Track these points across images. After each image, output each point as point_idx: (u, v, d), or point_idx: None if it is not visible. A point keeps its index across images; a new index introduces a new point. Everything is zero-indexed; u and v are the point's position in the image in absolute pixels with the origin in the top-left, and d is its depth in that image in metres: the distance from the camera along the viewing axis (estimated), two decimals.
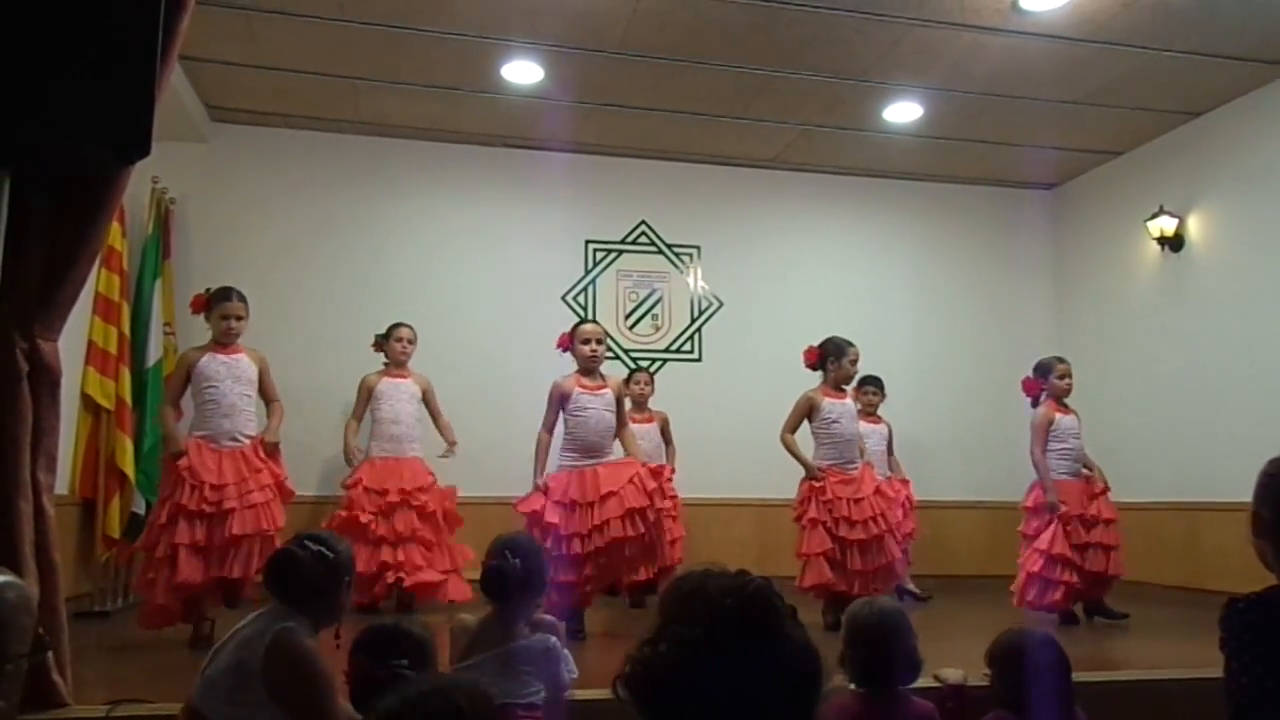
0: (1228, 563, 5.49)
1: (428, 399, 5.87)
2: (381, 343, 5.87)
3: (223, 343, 4.51)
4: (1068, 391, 5.42)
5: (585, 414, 4.75)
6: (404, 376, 5.83)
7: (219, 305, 4.50)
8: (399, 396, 5.75)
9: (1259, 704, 1.87)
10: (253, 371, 4.53)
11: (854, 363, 5.18)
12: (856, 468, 5.13)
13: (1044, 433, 5.31)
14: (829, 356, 5.16)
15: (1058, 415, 5.35)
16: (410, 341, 5.86)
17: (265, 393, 4.67)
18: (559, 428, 4.88)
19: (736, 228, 7.35)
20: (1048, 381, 5.42)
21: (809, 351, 5.21)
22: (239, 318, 4.52)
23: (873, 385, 6.40)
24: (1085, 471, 5.37)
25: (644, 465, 4.87)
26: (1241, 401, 5.93)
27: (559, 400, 4.80)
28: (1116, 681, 3.41)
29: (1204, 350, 6.28)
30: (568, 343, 4.91)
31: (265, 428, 4.57)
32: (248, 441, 4.43)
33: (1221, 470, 5.75)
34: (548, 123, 6.52)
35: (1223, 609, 2.01)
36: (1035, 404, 5.48)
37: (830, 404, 5.12)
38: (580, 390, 4.79)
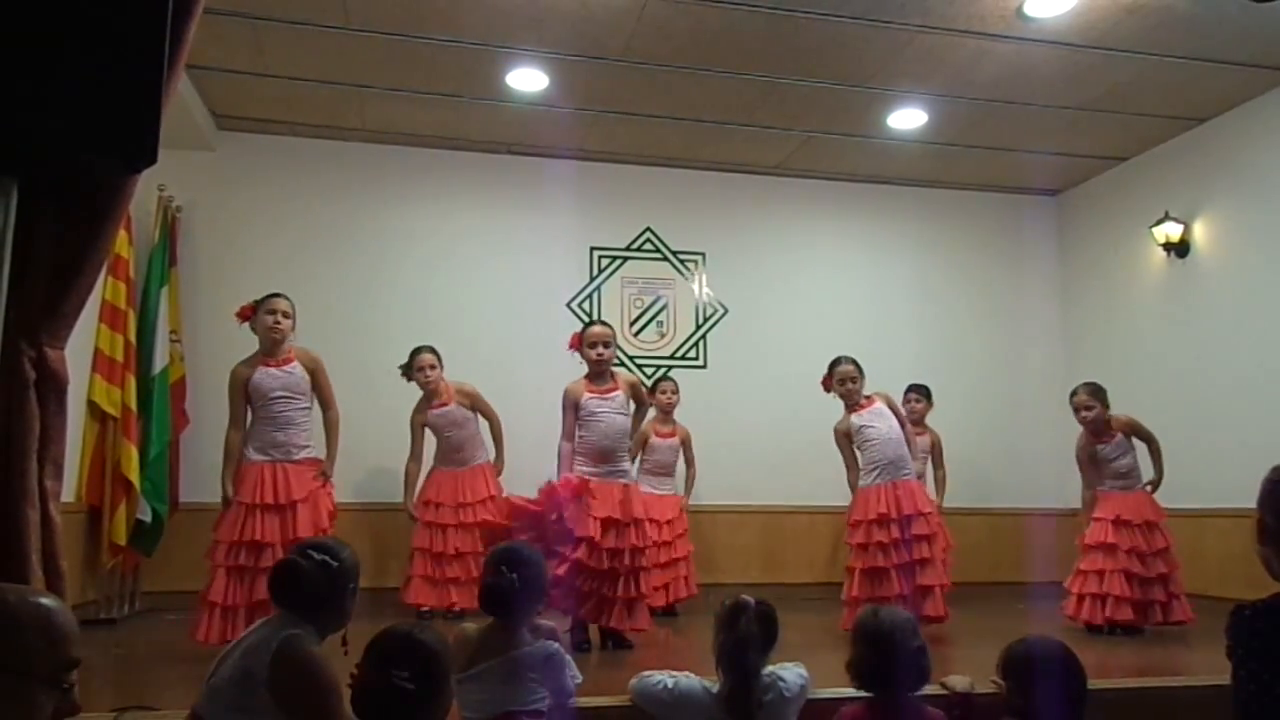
0: (1234, 569, 5.47)
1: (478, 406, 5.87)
2: (408, 374, 5.76)
3: (270, 349, 4.42)
4: (1086, 423, 5.23)
5: (595, 419, 4.61)
6: (447, 403, 5.77)
7: (264, 303, 4.44)
8: (450, 420, 5.76)
9: (1266, 710, 1.86)
10: (305, 382, 4.45)
11: (841, 381, 5.07)
12: (909, 474, 5.01)
13: (1083, 465, 5.29)
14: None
15: (1097, 446, 5.24)
16: (432, 367, 5.74)
17: (321, 397, 4.53)
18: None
19: (741, 234, 7.36)
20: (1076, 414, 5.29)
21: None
22: (285, 314, 4.44)
23: (916, 392, 6.30)
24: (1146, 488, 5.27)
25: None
26: (1248, 407, 5.92)
27: (573, 407, 4.63)
28: (1123, 689, 3.40)
29: (1210, 356, 6.27)
30: (578, 344, 4.81)
31: (326, 455, 4.47)
32: (300, 455, 4.37)
33: (1227, 476, 5.71)
34: (552, 130, 6.53)
35: (1229, 616, 2.01)
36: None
37: (855, 419, 5.05)
38: (589, 395, 4.63)
